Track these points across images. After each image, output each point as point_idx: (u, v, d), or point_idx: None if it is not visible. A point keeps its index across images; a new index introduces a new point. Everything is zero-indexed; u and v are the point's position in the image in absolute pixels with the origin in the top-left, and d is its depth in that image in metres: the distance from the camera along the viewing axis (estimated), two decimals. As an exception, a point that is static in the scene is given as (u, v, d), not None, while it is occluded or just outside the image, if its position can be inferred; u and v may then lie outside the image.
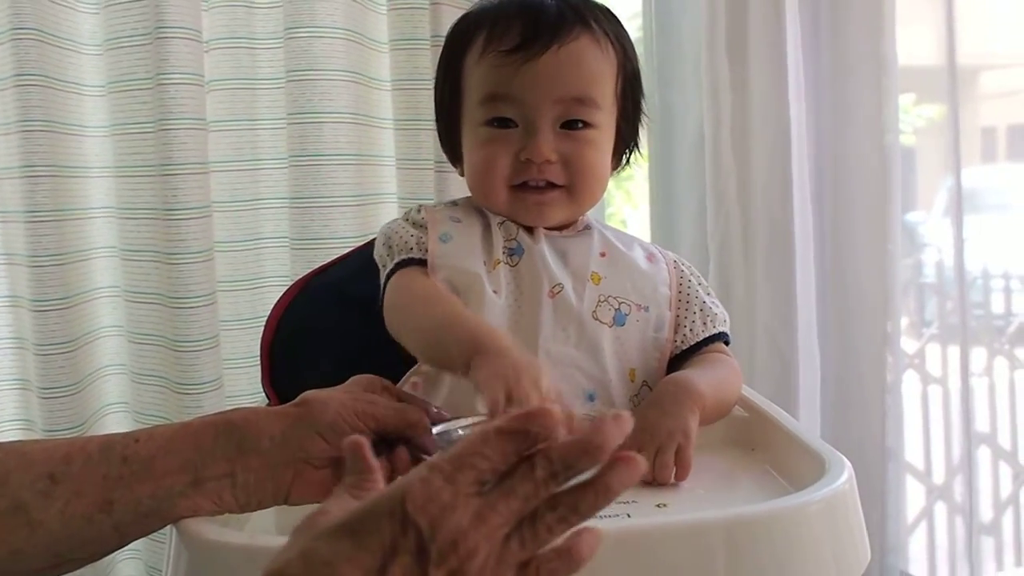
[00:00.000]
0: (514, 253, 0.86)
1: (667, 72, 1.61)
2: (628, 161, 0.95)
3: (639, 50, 1.04)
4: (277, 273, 1.43)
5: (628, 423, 0.49)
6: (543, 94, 0.84)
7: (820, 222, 1.54)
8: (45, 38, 1.27)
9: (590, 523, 0.50)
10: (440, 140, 0.97)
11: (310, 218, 1.38)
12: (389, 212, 1.44)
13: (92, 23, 1.34)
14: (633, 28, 0.94)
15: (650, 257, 0.91)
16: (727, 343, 0.92)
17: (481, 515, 0.47)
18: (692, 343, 0.89)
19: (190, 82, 1.28)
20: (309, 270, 1.15)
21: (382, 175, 1.45)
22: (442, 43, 1.32)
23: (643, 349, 0.87)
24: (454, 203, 0.93)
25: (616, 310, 0.85)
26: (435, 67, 1.33)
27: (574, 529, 0.49)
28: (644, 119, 0.94)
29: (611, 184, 1.04)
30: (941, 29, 1.52)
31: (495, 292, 0.83)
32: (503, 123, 0.86)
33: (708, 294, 0.92)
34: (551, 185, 0.86)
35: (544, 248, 0.86)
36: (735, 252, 1.50)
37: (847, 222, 1.53)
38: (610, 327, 0.85)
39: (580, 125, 0.86)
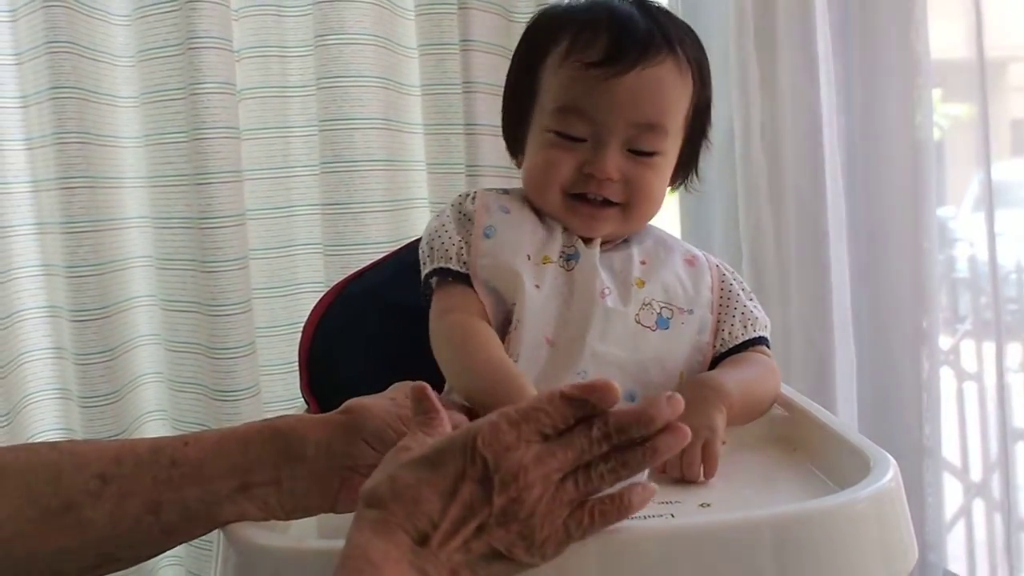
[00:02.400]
0: (571, 259, 0.87)
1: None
2: (684, 185, 0.95)
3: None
4: (311, 279, 1.44)
5: (679, 404, 0.57)
6: (618, 115, 0.84)
7: (853, 219, 1.52)
8: (79, 51, 1.28)
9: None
10: (503, 126, 0.96)
11: (343, 224, 1.39)
12: (421, 216, 1.45)
13: (125, 35, 1.36)
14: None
15: (692, 260, 0.92)
16: (767, 346, 0.92)
17: (540, 457, 0.56)
18: (731, 346, 0.89)
19: (222, 91, 1.29)
20: (342, 276, 1.15)
21: (413, 180, 1.46)
22: (471, 47, 1.34)
23: (688, 352, 0.87)
24: (505, 191, 0.93)
25: (658, 314, 0.86)
26: (462, 68, 1.34)
27: (627, 482, 0.58)
28: (707, 145, 0.94)
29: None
30: (970, 21, 1.50)
31: (537, 286, 0.84)
32: (571, 138, 0.86)
33: (750, 299, 0.92)
34: (607, 202, 0.87)
35: (596, 253, 0.87)
36: (768, 249, 1.49)
37: (881, 219, 1.52)
38: (654, 331, 0.85)
39: (647, 151, 0.86)
